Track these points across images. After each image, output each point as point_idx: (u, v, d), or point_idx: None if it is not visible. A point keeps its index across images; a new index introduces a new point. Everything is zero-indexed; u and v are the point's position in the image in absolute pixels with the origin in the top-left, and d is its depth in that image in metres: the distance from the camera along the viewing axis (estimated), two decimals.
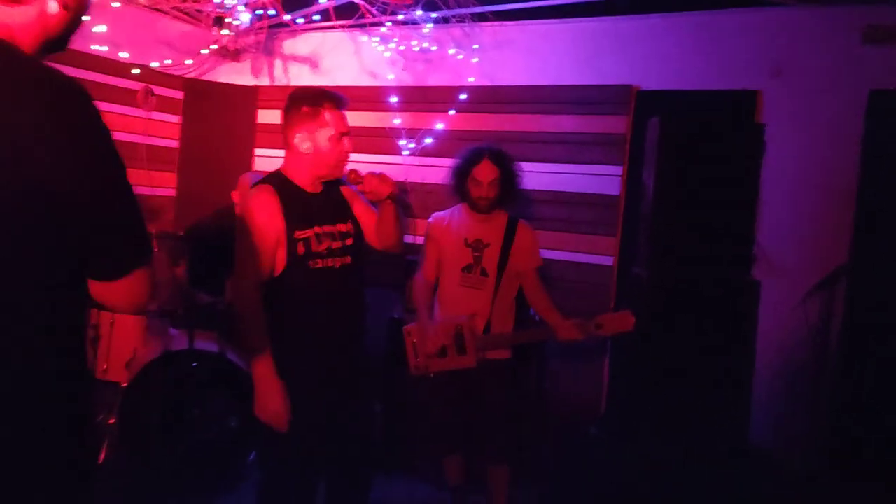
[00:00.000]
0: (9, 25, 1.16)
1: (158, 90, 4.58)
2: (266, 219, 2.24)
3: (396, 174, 4.37)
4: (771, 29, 3.55)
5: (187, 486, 3.26)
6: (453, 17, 4.11)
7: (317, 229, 2.31)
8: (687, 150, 2.88)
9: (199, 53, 4.67)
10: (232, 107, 4.88)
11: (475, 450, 3.12)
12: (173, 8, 4.39)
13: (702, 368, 2.86)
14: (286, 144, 2.33)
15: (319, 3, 4.21)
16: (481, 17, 4.11)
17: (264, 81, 4.94)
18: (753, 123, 3.33)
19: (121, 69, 4.30)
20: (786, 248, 3.43)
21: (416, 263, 3.16)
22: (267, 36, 4.68)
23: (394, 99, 4.38)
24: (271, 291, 2.30)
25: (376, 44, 4.46)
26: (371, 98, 4.42)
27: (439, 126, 4.28)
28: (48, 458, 1.17)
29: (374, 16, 4.16)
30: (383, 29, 4.35)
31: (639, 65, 3.82)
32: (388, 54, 4.46)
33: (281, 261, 2.27)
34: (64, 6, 1.20)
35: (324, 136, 2.27)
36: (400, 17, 4.20)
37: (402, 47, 4.37)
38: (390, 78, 4.46)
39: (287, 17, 4.33)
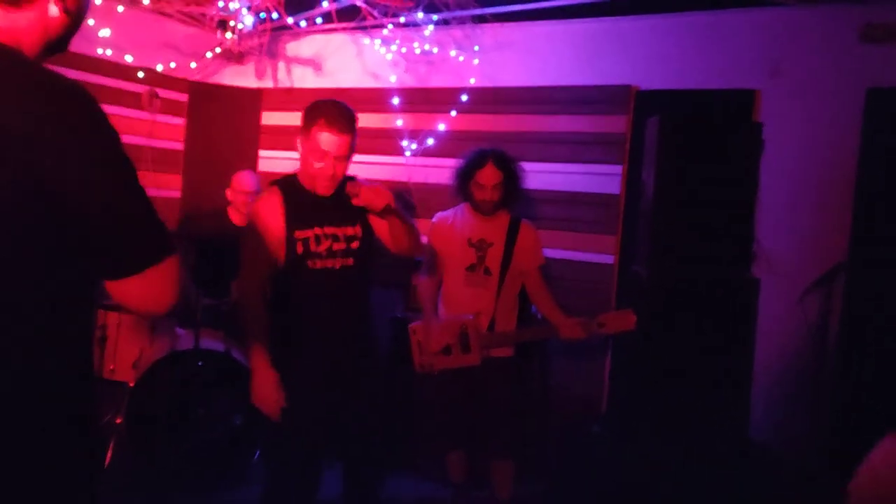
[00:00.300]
0: (11, 29, 1.17)
1: (163, 93, 4.62)
2: (268, 219, 2.35)
3: (399, 175, 4.41)
4: (769, 28, 3.56)
5: (193, 484, 3.30)
6: (454, 18, 4.14)
7: (317, 230, 2.37)
8: (686, 149, 2.90)
9: (203, 56, 4.71)
10: (236, 109, 4.92)
11: (479, 447, 3.15)
12: (178, 12, 4.43)
13: (702, 366, 2.87)
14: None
15: (322, 6, 4.24)
16: (481, 19, 4.14)
17: (268, 84, 4.98)
18: (752, 122, 3.34)
19: (126, 72, 4.33)
20: (785, 246, 3.45)
21: (421, 263, 3.19)
22: (270, 39, 4.71)
23: (396, 100, 4.41)
24: (275, 289, 2.39)
25: (378, 46, 4.49)
26: (373, 100, 4.45)
27: (441, 127, 4.31)
28: (48, 459, 1.16)
29: (375, 18, 4.19)
30: (385, 31, 4.38)
31: (638, 65, 3.85)
32: (389, 56, 4.49)
33: (282, 260, 2.36)
34: (64, 10, 1.21)
35: (307, 150, 2.34)
36: (401, 19, 4.23)
37: (403, 49, 4.40)
38: (392, 80, 4.49)
39: (290, 20, 4.36)
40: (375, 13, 4.14)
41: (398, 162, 4.41)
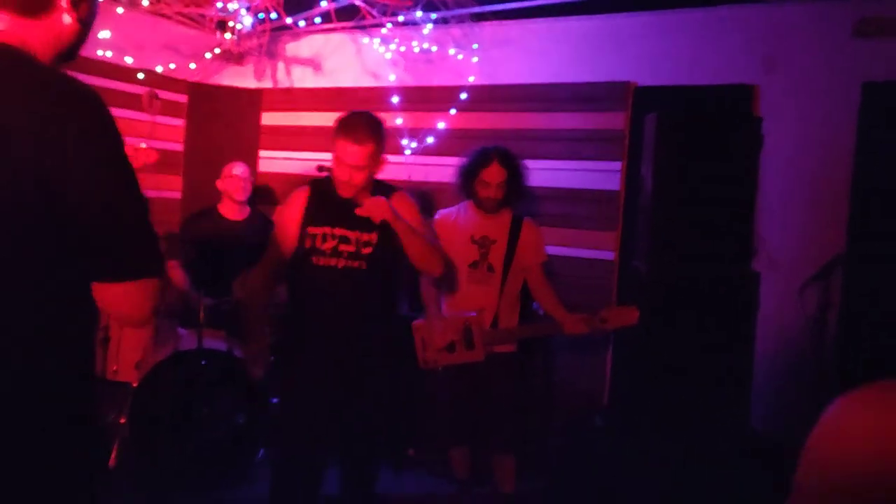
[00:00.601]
0: (26, 38, 1.20)
1: (163, 94, 4.62)
2: (290, 211, 2.54)
3: (399, 173, 4.42)
4: (765, 24, 3.58)
5: (196, 483, 3.31)
6: (453, 17, 4.15)
7: (327, 229, 2.46)
8: (685, 145, 2.91)
9: (202, 57, 4.73)
10: (236, 110, 4.93)
11: (482, 442, 3.17)
12: (176, 13, 4.44)
13: (702, 361, 2.89)
14: None
15: (321, 6, 4.26)
16: (480, 17, 4.15)
17: (267, 84, 4.99)
18: (751, 117, 3.35)
19: (125, 74, 4.34)
20: (783, 240, 3.47)
21: None
22: (269, 39, 4.72)
23: (395, 99, 4.43)
24: (287, 281, 2.57)
25: (378, 45, 4.51)
26: (373, 99, 4.47)
27: (441, 125, 4.33)
28: (48, 458, 1.17)
29: (374, 17, 4.20)
30: (384, 30, 4.39)
31: (636, 61, 3.86)
32: (389, 55, 4.50)
33: (292, 252, 2.50)
34: (78, 19, 1.25)
35: (333, 156, 2.46)
36: (400, 18, 4.25)
37: (402, 48, 4.42)
38: (392, 79, 4.51)
39: (289, 20, 4.37)
40: (374, 12, 4.15)
41: (398, 161, 4.42)
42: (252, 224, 4.12)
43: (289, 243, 2.50)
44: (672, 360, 2.89)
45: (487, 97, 4.22)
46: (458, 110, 4.28)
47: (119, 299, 1.21)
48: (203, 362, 3.32)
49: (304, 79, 4.87)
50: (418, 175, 4.38)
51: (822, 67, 3.43)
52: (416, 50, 4.38)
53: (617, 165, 3.88)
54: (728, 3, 3.64)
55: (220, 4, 4.19)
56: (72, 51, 1.30)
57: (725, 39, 3.66)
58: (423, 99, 4.40)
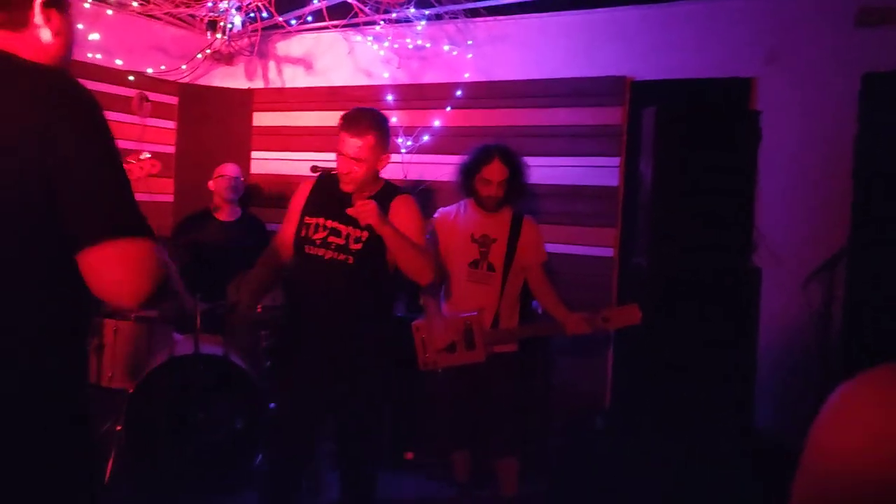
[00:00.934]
0: (17, 50, 1.23)
1: (153, 96, 4.58)
2: (294, 199, 2.65)
3: (395, 172, 4.38)
4: (763, 15, 3.55)
5: (194, 488, 3.28)
6: (446, 13, 4.11)
7: (321, 220, 2.52)
8: (684, 140, 2.89)
9: (193, 58, 4.67)
10: (227, 110, 4.88)
11: (483, 445, 3.13)
12: (166, 14, 4.39)
13: (705, 356, 2.87)
14: None
15: (312, 4, 4.21)
16: (474, 13, 4.12)
17: (259, 84, 4.94)
18: (749, 111, 3.33)
19: (116, 76, 4.30)
20: (785, 233, 3.44)
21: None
22: (260, 38, 4.67)
23: (390, 97, 4.39)
24: (285, 276, 2.69)
25: (370, 43, 4.46)
26: (367, 97, 4.42)
27: (437, 123, 4.29)
28: (50, 458, 1.19)
29: (367, 15, 4.16)
30: (377, 28, 4.35)
31: (632, 55, 3.83)
32: (382, 53, 4.46)
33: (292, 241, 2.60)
34: (56, 33, 1.28)
35: (337, 151, 2.51)
36: (393, 15, 4.20)
37: (396, 45, 4.37)
38: (385, 76, 4.47)
39: (280, 19, 4.33)
40: (367, 10, 4.11)
41: (395, 159, 4.38)
42: (244, 225, 4.07)
43: (289, 231, 2.60)
44: (673, 357, 2.87)
45: (483, 93, 4.18)
46: (453, 107, 4.24)
47: (109, 267, 1.16)
48: (201, 367, 3.28)
49: (295, 78, 4.82)
50: (414, 173, 4.34)
51: (823, 58, 3.40)
52: (410, 47, 4.34)
53: (615, 161, 3.85)
54: None
55: (210, 4, 4.14)
56: (61, 64, 1.34)
57: (723, 32, 3.63)
58: (417, 97, 4.36)
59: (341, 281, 2.48)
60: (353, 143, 2.43)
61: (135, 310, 1.06)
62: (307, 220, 2.55)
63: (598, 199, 3.88)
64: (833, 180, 3.31)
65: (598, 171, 3.88)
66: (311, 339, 2.51)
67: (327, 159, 2.84)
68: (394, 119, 4.36)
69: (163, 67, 4.56)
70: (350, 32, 4.51)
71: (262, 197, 4.74)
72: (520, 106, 4.08)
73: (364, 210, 2.36)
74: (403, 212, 2.53)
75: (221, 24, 4.39)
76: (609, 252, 3.87)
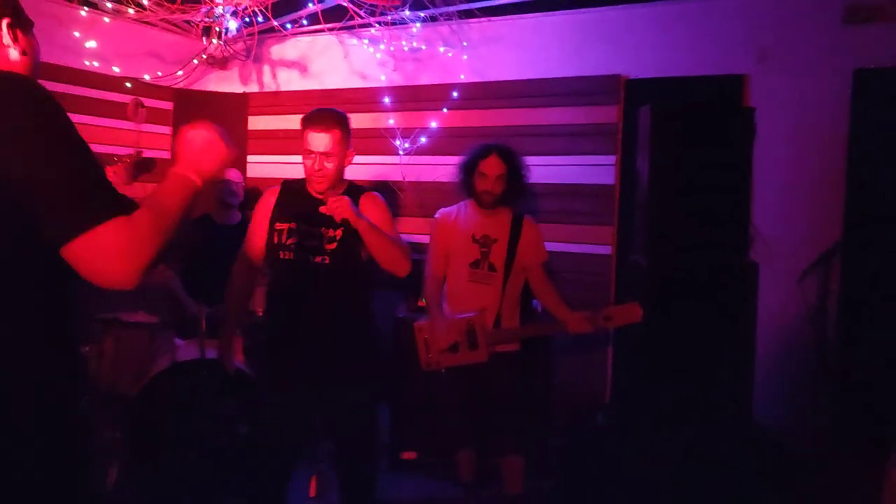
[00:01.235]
0: None
1: (148, 102, 4.58)
2: (261, 208, 2.61)
3: (393, 174, 4.40)
4: (755, 13, 3.58)
5: (198, 493, 3.28)
6: (441, 15, 4.13)
7: (292, 224, 2.51)
8: (679, 137, 2.91)
9: (189, 64, 4.68)
10: (222, 115, 4.87)
11: (487, 444, 3.15)
12: (161, 20, 4.40)
13: (703, 353, 2.89)
14: None
15: (307, 7, 4.22)
16: (469, 14, 4.14)
17: (254, 88, 4.95)
18: (743, 108, 3.36)
19: (112, 83, 4.30)
20: (780, 229, 3.47)
21: (420, 262, 3.18)
22: (255, 42, 4.68)
23: (386, 100, 4.40)
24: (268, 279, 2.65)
25: (366, 46, 4.48)
26: (363, 100, 4.44)
27: (433, 124, 4.31)
28: (50, 458, 1.20)
29: (362, 18, 4.17)
30: (372, 30, 4.37)
31: (626, 54, 3.86)
32: (378, 55, 4.48)
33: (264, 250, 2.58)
34: (22, 52, 1.35)
35: (302, 152, 2.51)
36: (388, 17, 4.22)
37: (391, 48, 4.39)
38: (381, 79, 4.48)
39: (275, 23, 4.34)
40: (362, 13, 4.12)
41: (392, 161, 4.40)
42: (244, 230, 4.08)
43: (258, 240, 2.58)
44: (672, 354, 2.89)
45: (478, 94, 4.21)
46: (449, 109, 4.26)
47: (90, 258, 1.17)
48: (205, 373, 3.28)
49: (290, 82, 4.84)
50: (412, 175, 4.36)
51: (814, 55, 3.44)
52: (406, 49, 4.36)
53: (611, 159, 3.88)
54: None
55: (204, 10, 4.15)
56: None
57: (716, 30, 3.66)
58: (413, 98, 4.38)
59: (318, 282, 2.47)
60: (322, 138, 2.44)
61: (141, 285, 1.05)
62: (278, 226, 2.53)
63: (595, 197, 3.91)
64: (827, 175, 3.34)
65: (594, 169, 3.91)
66: (293, 342, 2.50)
67: None
68: (390, 121, 4.39)
69: (159, 73, 4.57)
70: (345, 35, 4.53)
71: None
72: (515, 106, 4.10)
73: (339, 205, 2.36)
74: (372, 208, 2.54)
75: (217, 29, 4.40)
76: (606, 249, 3.90)
